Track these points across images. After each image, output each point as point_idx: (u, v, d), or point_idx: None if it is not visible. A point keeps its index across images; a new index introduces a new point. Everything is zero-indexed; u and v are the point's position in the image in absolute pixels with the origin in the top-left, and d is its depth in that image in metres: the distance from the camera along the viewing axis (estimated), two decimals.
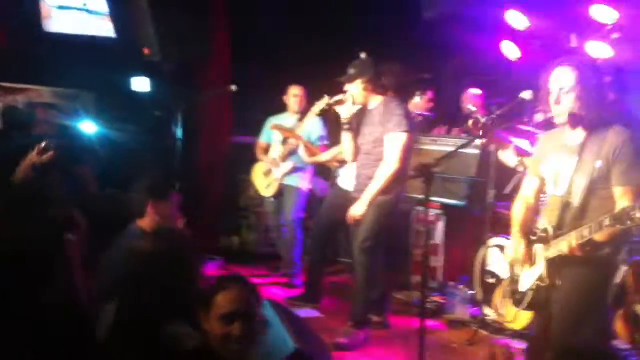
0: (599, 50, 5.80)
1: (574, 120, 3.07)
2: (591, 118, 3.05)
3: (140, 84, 6.97)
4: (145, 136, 6.82)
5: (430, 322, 5.08)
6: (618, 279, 4.46)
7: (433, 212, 5.83)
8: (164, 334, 2.68)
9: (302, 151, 5.75)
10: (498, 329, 4.77)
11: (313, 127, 5.87)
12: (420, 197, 5.45)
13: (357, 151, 4.74)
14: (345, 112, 4.66)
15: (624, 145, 2.97)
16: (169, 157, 6.40)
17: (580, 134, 3.10)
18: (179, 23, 6.47)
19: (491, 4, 6.38)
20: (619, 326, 4.36)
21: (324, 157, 5.63)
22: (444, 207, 5.78)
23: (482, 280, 5.17)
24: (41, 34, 7.03)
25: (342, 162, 5.23)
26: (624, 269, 4.48)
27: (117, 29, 6.84)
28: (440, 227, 5.81)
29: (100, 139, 6.38)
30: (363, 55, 5.25)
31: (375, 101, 4.64)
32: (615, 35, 5.80)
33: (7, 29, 6.86)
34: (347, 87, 4.66)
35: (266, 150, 6.17)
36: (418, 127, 5.71)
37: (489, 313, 4.92)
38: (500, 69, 6.73)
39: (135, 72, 6.99)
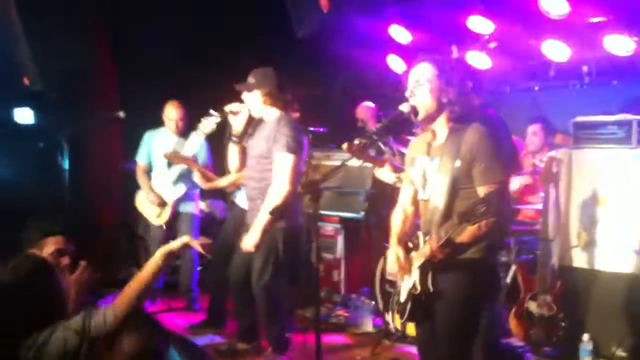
0: (478, 60, 6.06)
1: (430, 116, 3.00)
2: (450, 114, 3.00)
3: (23, 115, 6.65)
4: (30, 169, 6.51)
5: (336, 337, 5.12)
6: (508, 278, 4.67)
7: (332, 226, 5.88)
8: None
9: (196, 177, 5.51)
10: (400, 337, 4.83)
11: (201, 149, 5.58)
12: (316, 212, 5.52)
13: (243, 164, 4.63)
14: (238, 123, 4.52)
15: (480, 142, 2.91)
16: (56, 189, 6.16)
17: (442, 133, 3.04)
18: (57, 47, 6.21)
19: (374, 18, 6.51)
20: (513, 324, 4.52)
21: (222, 182, 5.29)
22: (342, 220, 5.84)
23: (382, 290, 5.25)
24: None
25: (240, 185, 5.11)
26: (513, 268, 4.68)
27: None
28: (339, 240, 5.86)
29: None
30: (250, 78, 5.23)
31: (271, 115, 4.46)
32: (492, 45, 6.07)
33: None
34: (244, 96, 4.48)
35: (146, 172, 5.85)
36: (311, 143, 5.73)
37: (390, 321, 4.98)
38: (388, 82, 6.91)
39: (17, 103, 6.67)
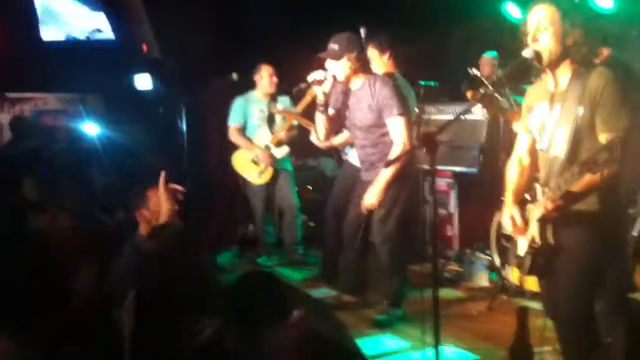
0: (601, 1, 5.66)
1: (554, 62, 2.84)
2: (575, 57, 2.83)
3: (143, 82, 6.96)
4: (152, 134, 6.83)
5: (449, 291, 5.06)
6: (635, 231, 4.40)
7: (444, 181, 5.78)
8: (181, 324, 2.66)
9: (313, 136, 5.43)
10: (518, 292, 4.69)
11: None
12: (427, 167, 5.43)
13: (330, 132, 4.63)
14: (322, 92, 4.43)
15: (605, 87, 2.74)
16: (177, 154, 6.43)
17: (564, 78, 2.87)
18: (175, 17, 6.44)
19: None
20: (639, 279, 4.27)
21: (336, 140, 5.32)
22: (455, 175, 5.72)
23: (498, 245, 5.11)
24: (39, 41, 7.06)
25: (351, 144, 5.11)
26: None
27: (114, 28, 6.84)
28: (452, 195, 5.75)
29: (104, 139, 6.41)
30: (362, 30, 5.18)
31: (358, 81, 4.40)
32: None
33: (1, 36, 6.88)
34: (328, 64, 4.38)
35: (242, 133, 6.00)
36: (421, 99, 5.63)
37: (507, 277, 4.86)
38: (505, 30, 6.62)
39: (136, 70, 6.99)
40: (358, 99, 4.41)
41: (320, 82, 4.39)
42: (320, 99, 4.45)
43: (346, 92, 4.50)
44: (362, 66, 4.44)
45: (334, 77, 4.38)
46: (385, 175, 4.30)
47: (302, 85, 4.52)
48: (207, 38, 6.69)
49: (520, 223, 2.97)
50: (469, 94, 4.64)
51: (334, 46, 4.35)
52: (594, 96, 2.75)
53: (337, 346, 2.42)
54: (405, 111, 4.34)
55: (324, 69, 4.42)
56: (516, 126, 4.62)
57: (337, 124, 4.67)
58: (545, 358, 3.46)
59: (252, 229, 6.40)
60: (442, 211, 5.75)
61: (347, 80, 4.41)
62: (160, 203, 3.25)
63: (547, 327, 3.15)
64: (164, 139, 6.86)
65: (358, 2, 6.15)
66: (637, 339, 3.44)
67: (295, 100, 5.76)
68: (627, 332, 3.45)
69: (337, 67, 4.35)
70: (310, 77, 4.42)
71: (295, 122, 5.84)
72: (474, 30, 7.05)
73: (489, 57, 6.30)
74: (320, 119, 4.56)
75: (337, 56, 4.33)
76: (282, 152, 5.93)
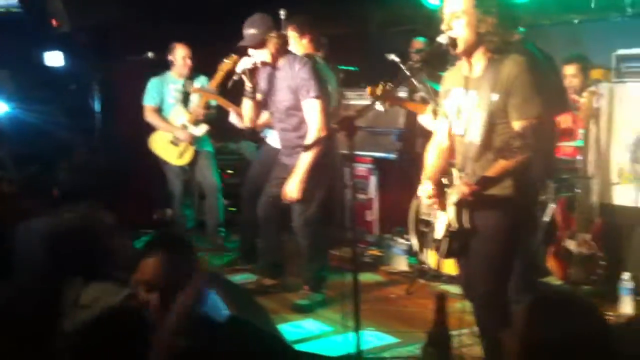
0: None
1: (468, 49, 2.88)
2: (488, 45, 2.86)
3: (54, 58, 6.63)
4: (62, 112, 6.54)
5: (368, 276, 5.11)
6: (547, 216, 4.57)
7: (364, 167, 5.82)
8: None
9: (233, 117, 5.38)
10: (435, 276, 4.80)
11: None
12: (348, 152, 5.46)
13: (256, 117, 4.60)
14: (250, 78, 4.37)
15: (519, 75, 2.79)
16: (89, 133, 6.19)
17: (479, 65, 2.92)
18: None
19: None
20: (551, 263, 4.44)
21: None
22: (375, 160, 5.77)
23: (416, 229, 5.18)
24: None
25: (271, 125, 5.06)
26: (551, 206, 4.58)
27: (21, 1, 6.48)
28: (372, 180, 5.80)
29: (12, 119, 6.09)
30: (282, 12, 5.10)
31: (282, 61, 4.36)
32: None
33: None
34: (251, 50, 4.31)
35: (158, 113, 5.86)
36: (340, 83, 5.63)
37: (425, 261, 4.95)
38: (422, 16, 6.70)
39: (47, 46, 6.65)
40: (278, 80, 4.37)
41: (250, 71, 4.32)
42: (249, 85, 4.37)
43: (269, 74, 4.44)
44: (285, 45, 4.39)
45: (262, 63, 4.31)
46: (304, 161, 4.27)
47: (235, 77, 4.41)
48: (122, 13, 6.45)
49: (434, 194, 3.00)
50: (368, 90, 4.67)
51: (252, 31, 4.26)
52: (507, 84, 2.81)
53: (258, 332, 2.40)
54: (321, 94, 4.29)
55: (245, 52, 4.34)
56: (420, 118, 4.70)
57: (260, 108, 4.61)
58: (463, 340, 3.54)
59: (171, 212, 6.24)
60: (362, 196, 5.80)
61: (274, 61, 4.34)
62: None
63: (465, 310, 3.23)
64: (76, 117, 6.58)
65: None
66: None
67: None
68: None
69: (260, 52, 4.29)
70: (239, 68, 4.35)
71: (213, 102, 5.71)
72: (392, 15, 7.12)
73: (419, 42, 6.33)
74: (247, 104, 4.49)
75: (259, 41, 4.26)
76: (201, 130, 5.76)
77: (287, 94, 4.32)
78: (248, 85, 4.39)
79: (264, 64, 4.34)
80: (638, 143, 4.33)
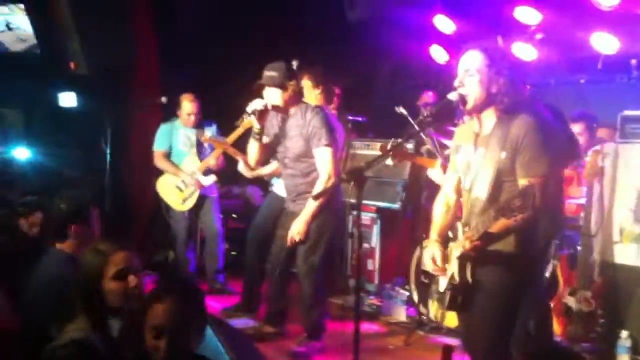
0: (524, 51, 5.93)
1: (479, 107, 2.93)
2: (498, 105, 2.92)
3: (68, 99, 6.78)
4: (74, 153, 6.65)
5: (367, 325, 5.08)
6: (547, 272, 4.56)
7: (368, 216, 5.85)
8: None
9: (241, 166, 5.38)
10: (434, 328, 4.78)
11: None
12: (354, 201, 5.51)
13: (261, 160, 4.66)
14: (259, 120, 4.44)
15: (528, 134, 2.82)
16: (98, 174, 6.27)
17: (489, 123, 2.97)
18: (103, 34, 6.34)
19: (418, 8, 6.45)
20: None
21: (264, 171, 5.32)
22: (379, 210, 5.80)
23: (417, 280, 5.19)
24: None
25: (279, 175, 5.10)
26: (553, 262, 4.57)
27: (41, 44, 6.65)
28: (375, 230, 5.82)
29: (32, 163, 6.25)
30: (294, 63, 5.21)
31: (292, 110, 4.45)
32: (539, 36, 5.94)
33: None
34: (267, 92, 4.40)
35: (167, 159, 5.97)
36: (348, 132, 5.72)
37: (425, 312, 4.94)
38: (431, 72, 6.82)
39: (61, 87, 6.80)
40: (290, 127, 4.44)
41: (261, 112, 4.39)
42: (257, 127, 4.45)
43: (281, 121, 4.52)
44: (299, 95, 4.48)
45: (273, 107, 4.39)
46: (311, 206, 4.32)
47: (245, 117, 4.48)
48: (137, 57, 6.61)
49: (440, 264, 3.01)
50: (379, 147, 4.76)
51: (272, 73, 4.36)
52: (516, 142, 2.84)
53: None
54: (332, 142, 4.37)
55: (259, 97, 4.42)
56: (430, 173, 4.75)
57: (268, 152, 4.67)
58: None
59: (173, 255, 6.27)
60: (364, 245, 5.81)
61: (285, 108, 4.43)
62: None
63: None
64: (87, 158, 6.68)
65: (289, 35, 6.21)
66: None
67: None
68: None
69: (275, 95, 4.37)
70: (250, 107, 4.40)
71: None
72: (400, 68, 7.25)
73: (427, 96, 6.40)
74: (254, 146, 4.55)
75: (277, 84, 4.35)
76: (209, 180, 5.88)
77: (298, 141, 4.40)
78: (256, 126, 4.46)
79: (274, 107, 4.41)
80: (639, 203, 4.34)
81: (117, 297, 2.60)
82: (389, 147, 4.42)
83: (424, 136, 5.01)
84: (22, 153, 6.61)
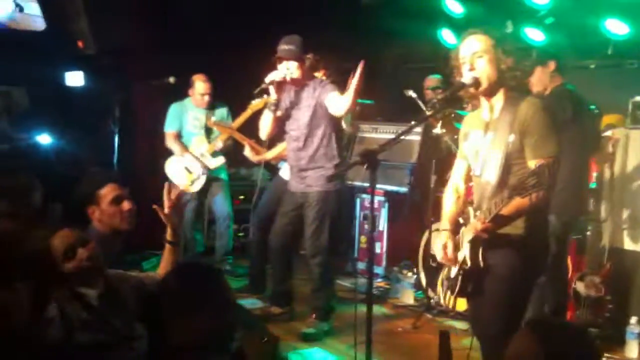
0: (533, 35, 5.90)
1: (493, 87, 2.92)
2: (510, 82, 2.92)
3: (75, 78, 6.74)
4: (81, 132, 6.62)
5: (375, 308, 5.08)
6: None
7: (376, 199, 5.84)
8: None
9: (247, 151, 5.47)
10: (442, 311, 4.80)
11: (227, 121, 5.80)
12: (364, 184, 5.52)
13: (272, 133, 4.63)
14: (277, 91, 4.44)
15: (535, 115, 2.83)
16: (106, 153, 6.25)
17: (497, 107, 2.97)
18: (112, 14, 6.30)
19: None
20: None
21: (270, 155, 5.36)
22: (387, 193, 5.81)
23: (425, 264, 5.22)
24: None
25: (284, 158, 5.11)
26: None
27: (49, 22, 6.61)
28: (383, 213, 5.84)
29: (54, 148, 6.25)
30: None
31: (309, 82, 4.48)
32: (549, 20, 5.90)
33: None
34: (283, 64, 4.39)
35: (178, 140, 5.96)
36: (358, 115, 5.72)
37: (433, 296, 4.96)
38: (440, 55, 6.78)
39: (69, 66, 6.76)
40: (301, 99, 4.47)
41: (279, 84, 4.39)
42: (274, 98, 4.45)
43: (293, 95, 4.53)
44: (314, 69, 4.52)
45: (292, 79, 4.39)
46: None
47: (263, 86, 4.44)
48: (147, 37, 6.57)
49: (451, 254, 3.01)
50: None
51: (290, 47, 4.37)
52: (524, 124, 2.84)
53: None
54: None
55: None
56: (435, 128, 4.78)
57: (280, 127, 4.65)
58: None
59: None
60: None
61: (302, 80, 4.44)
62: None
63: (473, 347, 3.22)
64: (94, 138, 6.66)
65: (294, 17, 6.16)
66: None
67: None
68: None
69: (294, 67, 4.37)
70: (269, 78, 4.40)
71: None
72: (409, 51, 7.21)
73: (432, 79, 6.39)
74: (268, 117, 4.54)
75: (296, 56, 4.36)
76: (217, 162, 5.88)
77: (306, 111, 4.43)
78: (273, 97, 4.46)
79: (293, 80, 4.41)
80: None
81: (114, 219, 3.20)
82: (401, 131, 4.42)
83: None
84: (44, 139, 6.59)
